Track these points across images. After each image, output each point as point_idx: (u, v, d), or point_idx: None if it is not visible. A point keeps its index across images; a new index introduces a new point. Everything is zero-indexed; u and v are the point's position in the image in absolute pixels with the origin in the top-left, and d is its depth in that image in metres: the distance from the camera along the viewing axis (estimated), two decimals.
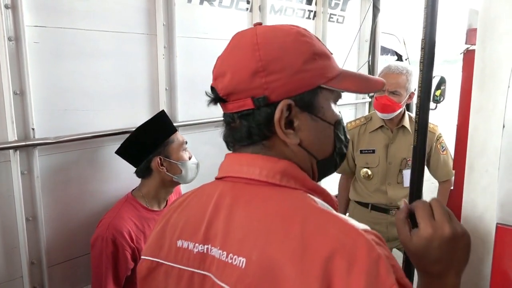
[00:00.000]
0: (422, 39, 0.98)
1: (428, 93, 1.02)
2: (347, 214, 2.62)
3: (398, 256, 2.66)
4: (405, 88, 2.22)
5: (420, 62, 1.00)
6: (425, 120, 1.04)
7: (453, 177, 2.33)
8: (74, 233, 1.69)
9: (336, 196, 2.75)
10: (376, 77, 0.83)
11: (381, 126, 2.33)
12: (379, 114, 2.28)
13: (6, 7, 1.40)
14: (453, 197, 0.99)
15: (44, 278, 1.59)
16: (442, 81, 4.52)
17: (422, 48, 0.98)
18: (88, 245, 1.59)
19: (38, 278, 1.59)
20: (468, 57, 0.94)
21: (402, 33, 4.77)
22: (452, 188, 0.99)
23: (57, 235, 1.64)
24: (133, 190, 1.69)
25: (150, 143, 1.62)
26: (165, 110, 1.91)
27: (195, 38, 2.05)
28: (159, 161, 1.61)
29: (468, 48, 0.97)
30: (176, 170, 1.65)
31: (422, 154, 1.06)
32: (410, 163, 2.29)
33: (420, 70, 1.01)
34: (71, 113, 1.62)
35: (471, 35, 0.95)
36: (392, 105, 2.20)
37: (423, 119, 1.04)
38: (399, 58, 4.73)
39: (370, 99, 3.41)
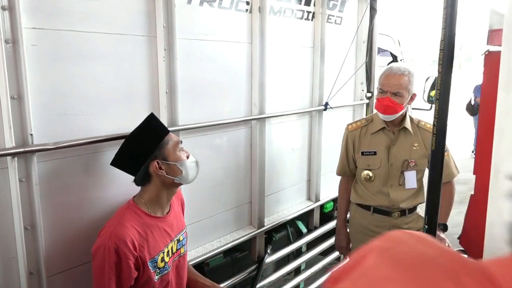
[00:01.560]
0: (441, 40, 0.95)
1: (447, 96, 0.99)
2: (348, 216, 2.59)
3: None
4: (407, 89, 2.21)
5: (439, 64, 0.97)
6: (444, 124, 1.01)
7: (455, 179, 2.36)
8: (74, 242, 1.64)
9: (335, 199, 2.73)
10: None
11: (383, 128, 2.31)
12: (380, 115, 2.26)
13: (3, 8, 1.35)
14: (474, 203, 0.96)
15: None
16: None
17: (441, 50, 0.95)
18: (89, 253, 1.53)
19: None
20: (490, 59, 0.91)
21: (397, 34, 4.77)
22: (472, 193, 0.96)
23: (56, 244, 1.58)
24: (134, 196, 1.65)
25: (144, 149, 1.57)
26: (166, 114, 1.88)
27: (195, 39, 2.01)
28: (157, 165, 1.57)
29: (489, 49, 0.94)
30: (176, 171, 1.60)
31: (440, 158, 1.03)
32: (412, 164, 2.28)
33: (439, 72, 0.98)
34: (70, 118, 1.57)
35: (493, 36, 0.92)
36: (394, 106, 2.18)
37: (441, 123, 1.00)
38: (394, 59, 4.73)
39: (367, 101, 3.40)
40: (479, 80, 8.19)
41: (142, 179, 1.60)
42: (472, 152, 8.64)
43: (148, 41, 1.80)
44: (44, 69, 1.49)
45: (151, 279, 1.57)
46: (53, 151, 1.50)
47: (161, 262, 1.61)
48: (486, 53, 0.94)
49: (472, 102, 8.34)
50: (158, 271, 1.60)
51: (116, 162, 1.59)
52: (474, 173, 0.97)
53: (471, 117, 8.59)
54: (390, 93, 2.19)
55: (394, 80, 2.19)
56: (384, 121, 2.30)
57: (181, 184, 1.67)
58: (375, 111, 2.34)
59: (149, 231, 1.58)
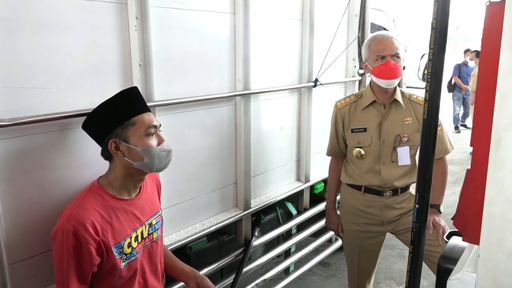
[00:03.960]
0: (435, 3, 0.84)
1: (441, 56, 0.87)
2: (338, 197, 2.50)
3: (392, 238, 2.56)
4: (402, 52, 2.12)
5: (433, 19, 0.85)
6: (438, 89, 0.90)
7: (447, 156, 2.26)
8: (39, 226, 1.52)
9: (326, 180, 2.63)
10: None
11: (373, 102, 2.20)
12: (383, 83, 2.12)
13: None
14: (471, 178, 0.84)
15: (6, 277, 1.42)
16: None
17: (433, 18, 0.84)
18: None
19: None
20: (493, 11, 0.78)
21: (391, 13, 4.62)
22: (469, 168, 0.84)
23: (18, 229, 1.46)
24: (100, 177, 1.52)
25: (106, 122, 1.44)
26: (140, 88, 1.73)
27: (171, 8, 1.86)
28: (114, 145, 1.43)
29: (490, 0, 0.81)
30: (137, 156, 1.45)
31: (433, 127, 0.91)
32: (404, 139, 2.17)
33: (432, 28, 0.85)
34: (29, 92, 1.43)
35: None
36: (398, 68, 2.11)
37: (435, 87, 0.89)
38: None
39: (360, 77, 3.27)
40: (461, 59, 8.95)
41: (103, 154, 1.49)
42: (455, 128, 9.28)
43: (118, 8, 1.65)
44: None
45: (116, 266, 1.45)
46: (10, 128, 1.36)
47: (128, 247, 1.48)
48: (487, 3, 0.82)
49: (453, 82, 9.08)
50: (125, 258, 1.48)
51: (84, 126, 1.48)
52: (471, 145, 0.85)
53: (450, 94, 9.28)
54: (390, 56, 2.10)
55: (389, 43, 2.11)
56: (375, 94, 2.19)
57: (144, 172, 1.52)
58: (374, 79, 2.18)
59: (114, 215, 1.45)
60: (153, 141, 1.48)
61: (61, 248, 1.33)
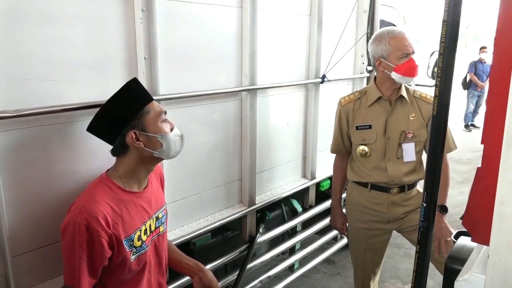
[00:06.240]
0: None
1: (453, 48, 0.84)
2: (344, 195, 2.47)
3: (399, 237, 2.53)
4: None
5: (443, 22, 0.82)
6: (448, 85, 0.87)
7: (450, 156, 2.21)
8: (42, 219, 1.51)
9: (331, 177, 2.60)
10: None
11: (379, 98, 2.17)
12: (408, 80, 2.11)
13: None
14: (481, 177, 0.81)
15: (8, 269, 1.42)
16: None
17: (445, 10, 0.81)
18: (59, 231, 1.41)
19: (1, 269, 1.41)
20: (507, 4, 0.76)
21: (402, 10, 4.56)
22: (479, 166, 0.82)
23: (22, 221, 1.46)
24: (108, 170, 1.51)
25: (121, 116, 1.42)
26: (145, 81, 1.73)
27: (178, 1, 1.84)
28: (134, 136, 1.42)
29: None
30: (156, 144, 1.46)
31: (443, 124, 0.89)
32: (409, 136, 2.14)
33: (443, 22, 0.82)
34: (33, 84, 1.41)
35: None
36: (417, 66, 2.10)
37: (445, 83, 0.86)
38: None
39: (368, 74, 3.23)
40: (476, 57, 9.01)
41: (118, 150, 1.47)
42: (466, 126, 9.20)
43: (123, 0, 1.63)
44: (1, 29, 1.33)
45: (127, 259, 1.44)
46: (13, 120, 1.35)
47: (138, 240, 1.48)
48: None
49: (467, 79, 9.17)
50: (135, 251, 1.47)
51: (91, 128, 1.46)
52: (482, 142, 0.82)
53: (465, 91, 9.36)
54: (412, 54, 2.09)
55: (409, 40, 2.09)
56: (381, 90, 2.16)
57: (161, 158, 1.53)
58: (396, 77, 2.09)
59: (124, 207, 1.45)
60: (167, 127, 1.50)
61: (72, 241, 1.32)
